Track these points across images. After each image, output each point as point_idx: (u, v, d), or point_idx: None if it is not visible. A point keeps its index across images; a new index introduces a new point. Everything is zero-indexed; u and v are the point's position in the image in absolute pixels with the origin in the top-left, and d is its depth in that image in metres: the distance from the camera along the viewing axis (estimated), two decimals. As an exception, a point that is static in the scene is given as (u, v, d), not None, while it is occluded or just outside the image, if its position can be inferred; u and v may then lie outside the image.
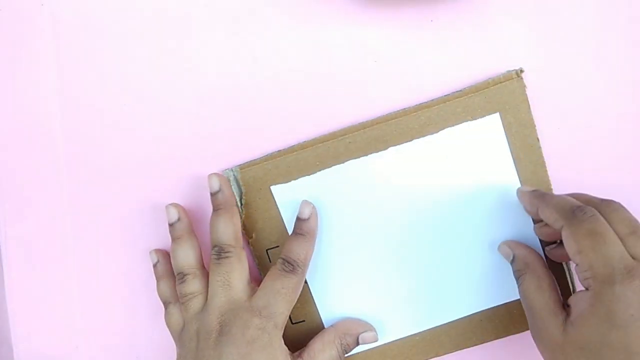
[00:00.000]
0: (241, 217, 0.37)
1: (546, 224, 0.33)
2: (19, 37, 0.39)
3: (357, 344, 0.37)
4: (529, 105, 0.36)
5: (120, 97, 0.39)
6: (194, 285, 0.35)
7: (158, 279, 0.38)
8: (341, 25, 0.38)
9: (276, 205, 0.37)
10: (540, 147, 0.36)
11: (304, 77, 0.38)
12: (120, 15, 0.39)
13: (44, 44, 0.39)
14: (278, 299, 0.34)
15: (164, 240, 0.39)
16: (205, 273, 0.36)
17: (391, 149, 0.36)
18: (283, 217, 0.38)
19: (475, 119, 0.36)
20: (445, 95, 0.36)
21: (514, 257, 0.34)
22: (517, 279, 0.33)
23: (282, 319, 0.34)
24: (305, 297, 0.38)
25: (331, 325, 0.37)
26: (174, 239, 0.37)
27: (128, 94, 0.39)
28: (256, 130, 0.38)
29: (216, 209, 0.36)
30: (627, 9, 0.37)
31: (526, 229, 0.37)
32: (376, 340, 0.37)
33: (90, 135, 0.39)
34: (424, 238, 0.37)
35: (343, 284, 0.38)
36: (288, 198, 0.37)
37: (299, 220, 0.36)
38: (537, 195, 0.33)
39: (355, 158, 0.37)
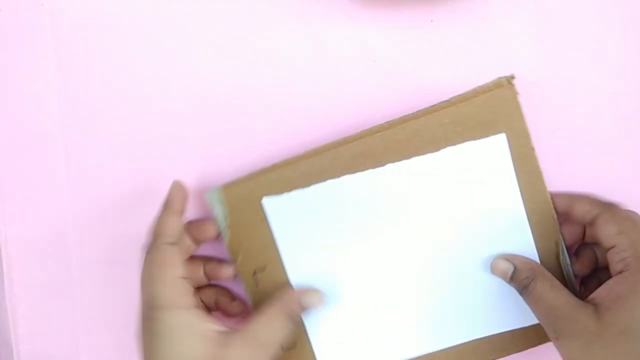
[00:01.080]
0: (225, 240, 0.36)
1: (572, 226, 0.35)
2: (19, 37, 0.39)
3: (304, 309, 0.35)
4: (522, 113, 0.34)
5: (120, 97, 0.39)
6: None
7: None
8: (341, 25, 0.38)
9: (267, 219, 0.36)
10: (536, 157, 0.34)
11: (303, 77, 0.38)
12: (120, 15, 0.39)
13: (44, 44, 0.39)
14: None
15: (164, 240, 0.39)
16: None
17: (389, 165, 0.35)
18: (274, 232, 0.36)
19: (479, 139, 0.34)
20: (432, 106, 0.35)
21: (515, 268, 0.33)
22: (526, 287, 0.32)
23: None
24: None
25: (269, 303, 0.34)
26: None
27: (128, 94, 0.39)
28: (256, 129, 0.38)
29: None
30: (629, 9, 0.37)
31: (527, 250, 0.35)
32: (323, 300, 0.35)
33: (90, 135, 0.39)
34: (420, 259, 0.36)
35: (335, 305, 0.36)
36: (280, 212, 0.36)
37: None
38: (568, 194, 0.35)
39: (342, 174, 0.35)
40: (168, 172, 0.39)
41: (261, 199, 0.36)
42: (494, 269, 0.35)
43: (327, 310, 0.36)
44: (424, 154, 0.34)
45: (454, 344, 0.36)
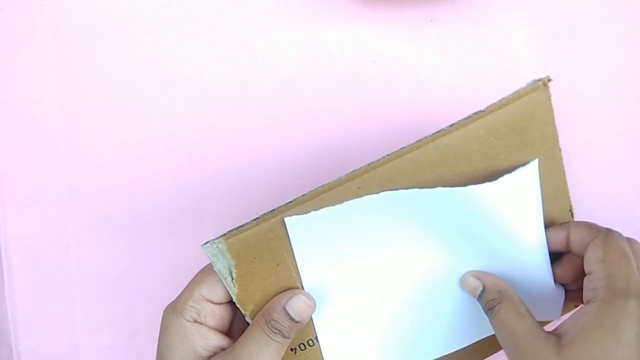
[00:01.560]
0: (233, 293, 0.32)
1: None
2: (19, 37, 0.39)
3: (291, 318, 0.31)
4: (554, 115, 0.33)
5: (120, 97, 0.39)
6: None
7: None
8: (341, 25, 0.38)
9: (290, 244, 0.32)
10: (561, 158, 0.33)
11: (303, 77, 0.38)
12: (120, 16, 0.39)
13: (44, 44, 0.39)
14: None
15: (162, 239, 0.39)
16: None
17: (416, 190, 0.32)
18: (296, 258, 0.32)
19: (512, 172, 0.32)
20: (465, 118, 0.32)
21: (484, 287, 0.32)
22: (491, 309, 0.31)
23: None
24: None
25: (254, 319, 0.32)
26: None
27: (128, 94, 0.39)
28: (256, 129, 0.38)
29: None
30: (629, 9, 0.37)
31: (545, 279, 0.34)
32: (311, 305, 0.32)
33: (90, 135, 0.39)
34: (438, 279, 0.35)
35: (348, 322, 0.35)
36: (305, 232, 0.32)
37: None
38: (563, 225, 0.33)
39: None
40: (168, 172, 0.39)
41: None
42: (463, 285, 0.34)
43: (345, 329, 0.34)
44: (455, 176, 0.32)
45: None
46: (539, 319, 0.35)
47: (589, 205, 0.37)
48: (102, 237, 0.40)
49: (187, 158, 0.39)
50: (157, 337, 0.38)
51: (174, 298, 0.31)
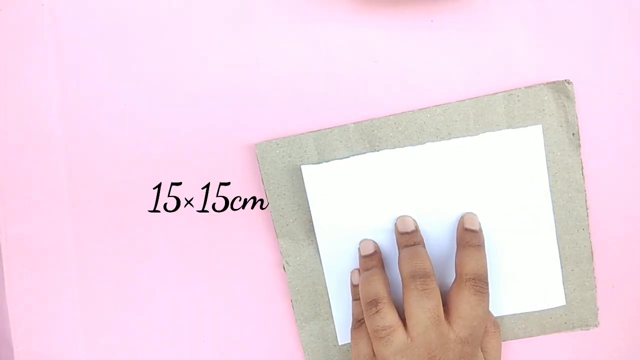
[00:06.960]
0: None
1: None
2: (19, 37, 0.39)
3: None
4: (575, 107, 0.36)
5: (121, 97, 0.39)
6: (390, 317, 0.33)
7: (355, 298, 0.37)
8: (341, 25, 0.38)
9: (304, 186, 0.37)
10: (579, 145, 0.36)
11: (304, 77, 0.38)
12: (121, 16, 0.39)
13: (44, 44, 0.39)
14: (481, 324, 0.34)
15: (162, 239, 0.39)
16: (394, 306, 0.34)
17: (428, 144, 0.36)
18: (310, 204, 0.37)
19: (517, 128, 0.36)
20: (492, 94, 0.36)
21: None
22: None
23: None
24: (321, 295, 0.38)
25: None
26: (368, 269, 0.36)
27: (128, 94, 0.39)
28: (256, 130, 0.38)
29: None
30: (629, 9, 0.37)
31: (547, 238, 0.37)
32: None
33: (90, 135, 0.39)
34: (447, 237, 0.37)
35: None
36: (318, 180, 0.36)
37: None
38: None
39: (390, 148, 0.36)
40: (169, 172, 0.39)
41: (297, 162, 0.37)
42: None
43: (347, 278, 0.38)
44: (464, 136, 0.36)
45: None
46: (544, 307, 0.36)
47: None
48: (102, 238, 0.40)
49: (187, 158, 0.39)
50: (156, 337, 0.38)
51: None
